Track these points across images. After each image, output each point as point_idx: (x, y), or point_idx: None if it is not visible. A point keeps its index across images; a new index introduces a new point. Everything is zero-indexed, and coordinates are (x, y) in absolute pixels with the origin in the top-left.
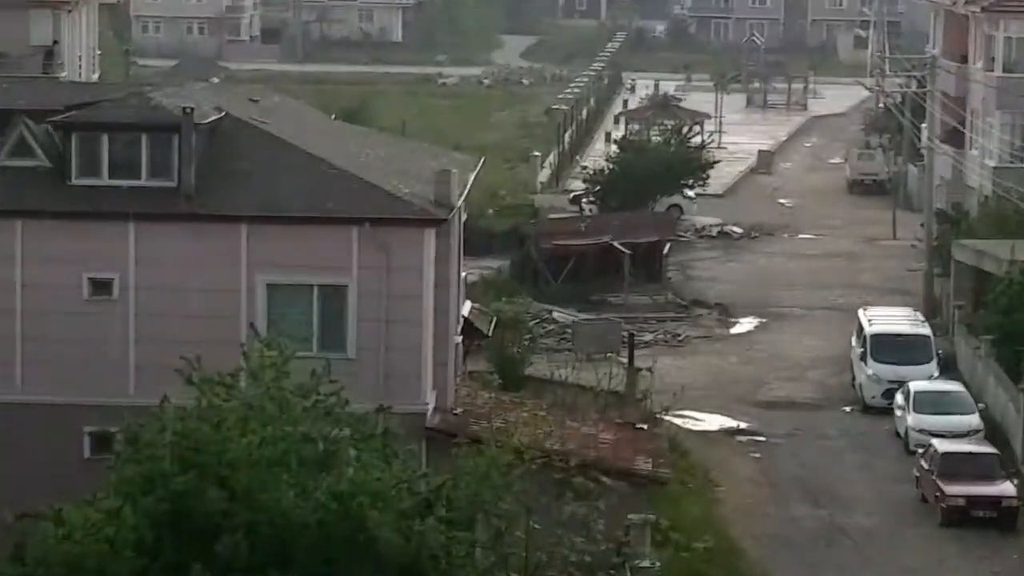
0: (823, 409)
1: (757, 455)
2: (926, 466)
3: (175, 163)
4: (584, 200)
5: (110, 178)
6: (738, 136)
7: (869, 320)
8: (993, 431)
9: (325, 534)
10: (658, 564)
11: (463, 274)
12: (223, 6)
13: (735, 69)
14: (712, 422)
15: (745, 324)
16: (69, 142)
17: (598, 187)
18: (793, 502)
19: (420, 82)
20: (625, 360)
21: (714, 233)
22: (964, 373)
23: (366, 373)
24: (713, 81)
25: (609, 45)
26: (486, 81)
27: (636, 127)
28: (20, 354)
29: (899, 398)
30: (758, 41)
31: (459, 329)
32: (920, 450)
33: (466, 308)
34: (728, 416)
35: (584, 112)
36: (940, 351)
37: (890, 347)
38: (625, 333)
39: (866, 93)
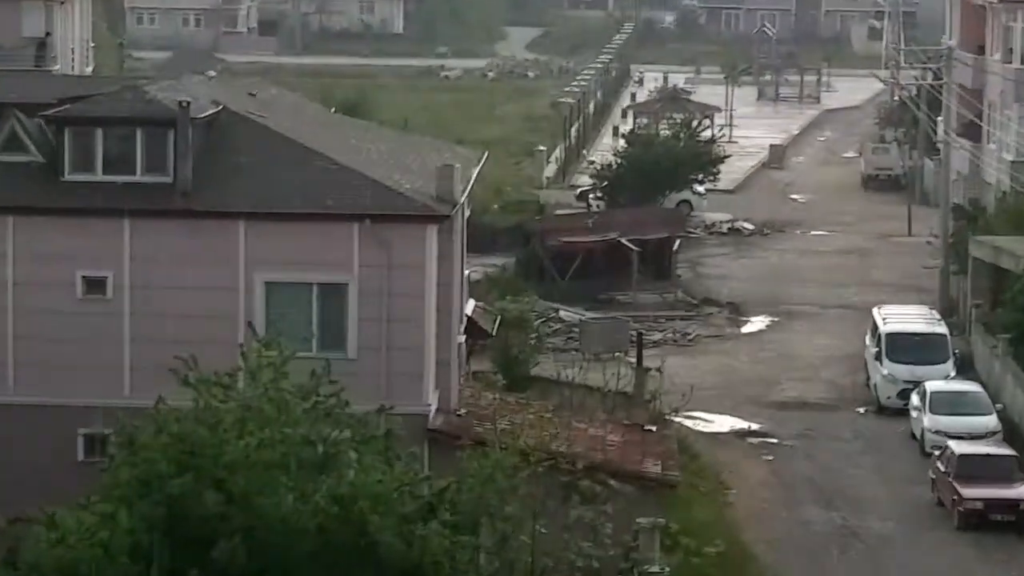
0: (836, 410)
1: (769, 457)
2: (942, 468)
3: (171, 158)
4: (591, 196)
5: (104, 174)
6: (749, 130)
7: (884, 319)
8: (1011, 432)
9: (325, 539)
10: (668, 569)
11: (466, 272)
12: None
13: (746, 61)
14: (723, 423)
15: (756, 323)
16: (62, 137)
17: (605, 182)
18: (806, 505)
19: (422, 75)
20: (633, 360)
21: (725, 229)
22: (981, 373)
23: (367, 373)
24: (724, 73)
25: (616, 37)
26: (490, 74)
27: (644, 121)
28: (12, 354)
29: (915, 399)
30: (770, 32)
31: (462, 328)
32: (936, 452)
33: (470, 307)
34: (739, 417)
35: (591, 106)
36: (957, 350)
37: (905, 346)
38: (633, 332)
39: (881, 86)
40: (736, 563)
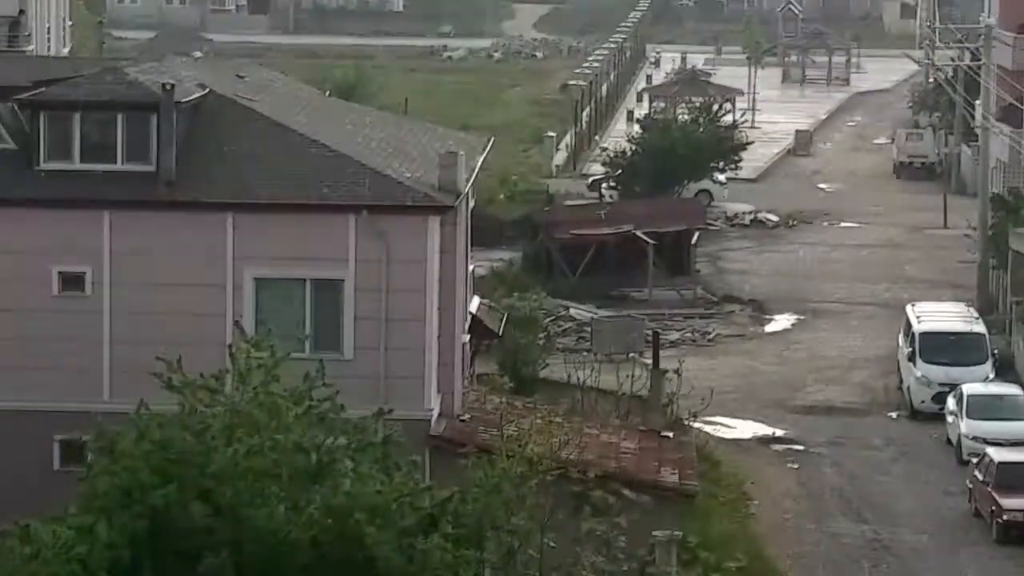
0: (867, 415)
1: (795, 465)
2: (980, 477)
3: (153, 145)
4: (604, 185)
5: (82, 162)
6: (773, 115)
7: (918, 317)
8: None
9: (319, 553)
10: None
11: (471, 267)
12: None
13: (770, 41)
14: (745, 429)
15: (781, 321)
16: (37, 122)
17: (619, 171)
18: (834, 517)
19: (423, 56)
20: (649, 361)
21: (747, 221)
22: (1022, 375)
23: (364, 376)
24: (746, 54)
25: (631, 14)
26: (496, 54)
27: (661, 105)
28: None
29: (951, 402)
30: (796, 10)
31: (466, 327)
32: (974, 459)
33: (474, 304)
34: (763, 423)
35: (604, 88)
36: (996, 350)
37: (941, 346)
38: (649, 332)
39: (914, 67)
40: None
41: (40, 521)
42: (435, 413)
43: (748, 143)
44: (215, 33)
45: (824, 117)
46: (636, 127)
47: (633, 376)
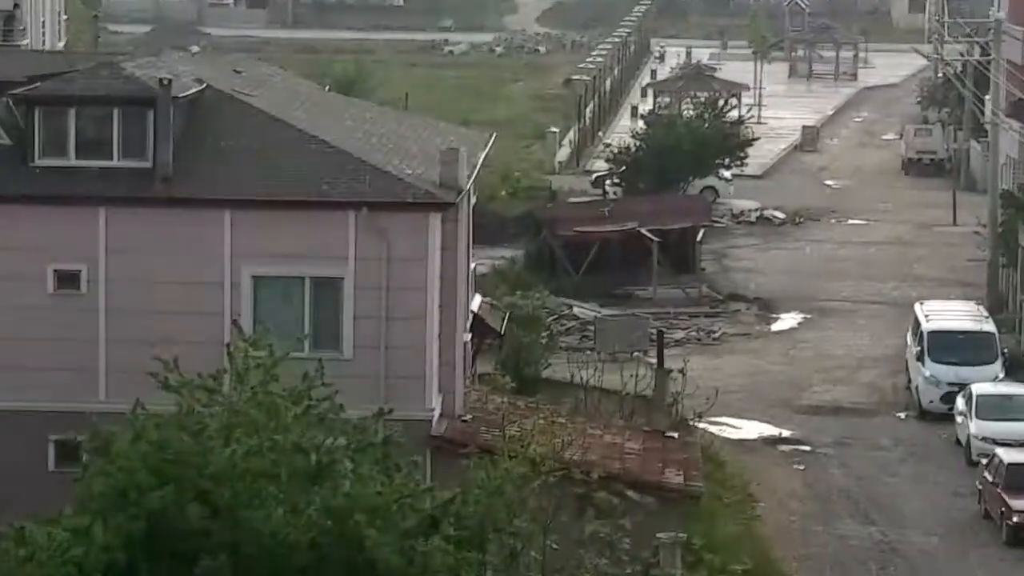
0: (875, 415)
1: (801, 467)
2: (990, 478)
3: (150, 141)
4: (608, 182)
5: (77, 158)
6: (780, 110)
7: (926, 315)
8: None
9: (318, 556)
10: None
11: (472, 265)
12: None
13: (776, 35)
14: (751, 430)
15: (788, 320)
16: (32, 118)
17: (623, 167)
18: (841, 519)
19: (424, 50)
20: (653, 361)
21: (753, 218)
22: None
23: (364, 375)
24: (752, 48)
25: (635, 8)
26: (498, 49)
27: (666, 100)
28: None
29: (960, 402)
30: (802, 4)
31: (468, 326)
32: (984, 460)
33: (476, 303)
34: (769, 423)
35: (607, 84)
36: (1006, 350)
37: (950, 345)
38: (653, 330)
39: (923, 62)
40: None
41: (35, 523)
42: (436, 413)
43: (754, 139)
44: (212, 27)
45: (831, 112)
46: (640, 123)
47: (637, 376)
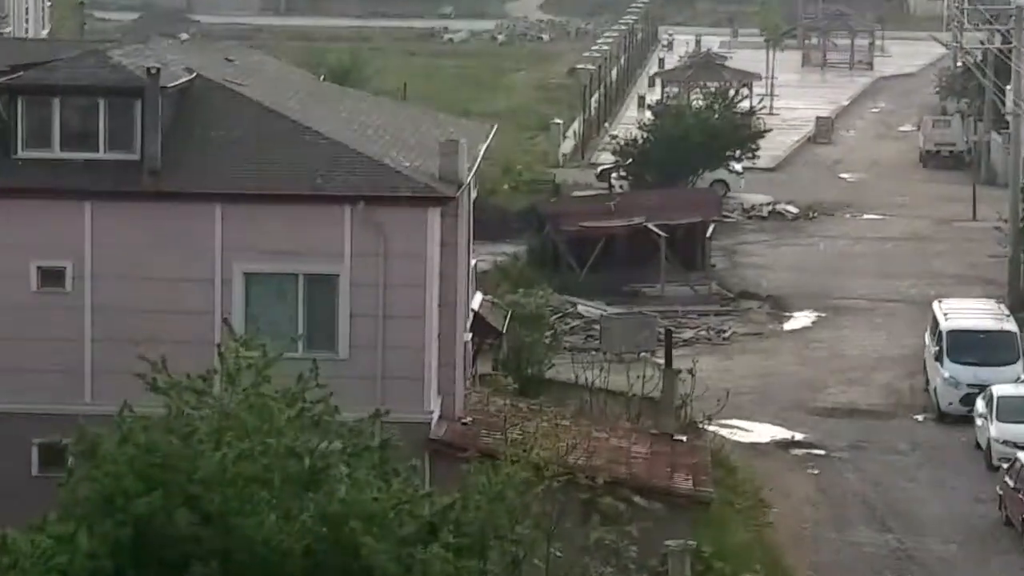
0: (891, 417)
1: (815, 471)
2: (1011, 483)
3: (138, 133)
4: (614, 175)
5: (62, 150)
6: (793, 100)
7: (945, 314)
8: None
9: (312, 563)
10: None
11: (473, 262)
12: None
13: (789, 22)
14: (762, 433)
15: (801, 319)
16: (14, 108)
17: (630, 160)
18: (856, 526)
19: (422, 38)
20: (661, 361)
21: (765, 213)
22: None
23: (360, 376)
24: (764, 36)
25: None
26: (499, 36)
27: (674, 90)
28: None
29: (980, 404)
30: None
31: (468, 325)
32: (1004, 465)
33: (476, 301)
34: (781, 426)
35: (613, 73)
36: None
37: (970, 345)
38: (661, 330)
39: (942, 50)
40: None
41: (18, 529)
42: (435, 416)
43: (766, 131)
44: (202, 14)
45: (846, 103)
46: (648, 114)
47: (644, 377)
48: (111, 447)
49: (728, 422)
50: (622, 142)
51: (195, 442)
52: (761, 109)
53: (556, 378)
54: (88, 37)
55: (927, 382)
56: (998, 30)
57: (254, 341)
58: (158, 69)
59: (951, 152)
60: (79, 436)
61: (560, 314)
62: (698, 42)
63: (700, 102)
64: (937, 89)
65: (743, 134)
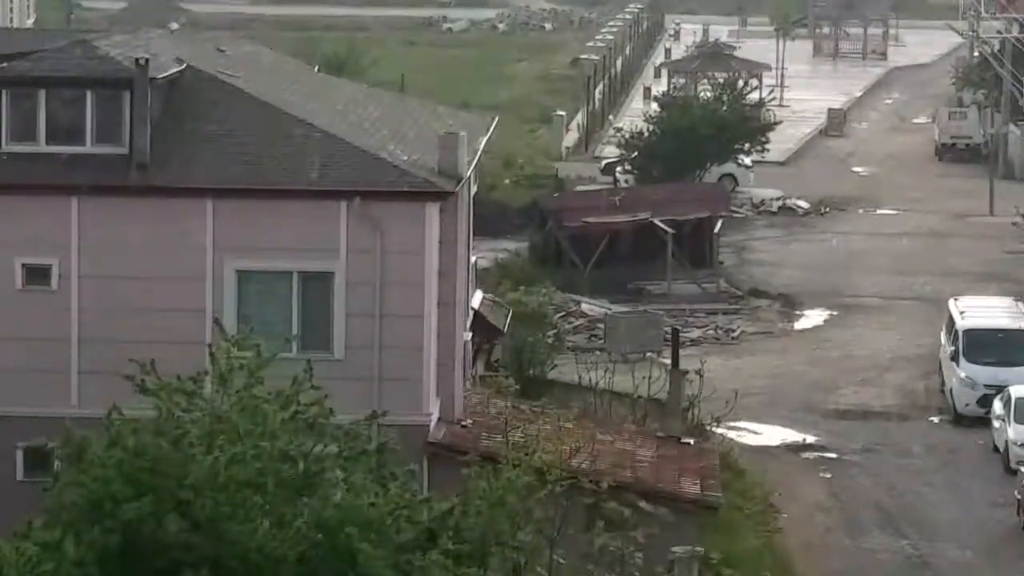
0: (906, 419)
1: (827, 475)
2: None
3: (126, 126)
4: (618, 169)
5: (48, 144)
6: (804, 92)
7: (961, 312)
8: None
9: (307, 571)
10: None
11: (473, 259)
12: None
13: (800, 11)
14: (772, 435)
15: (812, 318)
16: None
17: (635, 153)
18: (870, 532)
19: (421, 27)
20: (668, 361)
21: (775, 208)
22: None
23: (356, 377)
24: (774, 26)
25: None
26: (500, 26)
27: (681, 81)
28: None
29: (998, 406)
30: None
31: (468, 325)
32: (1023, 468)
33: (477, 299)
34: (792, 428)
35: (618, 63)
36: None
37: (987, 344)
38: (668, 329)
39: (958, 39)
40: None
41: (2, 536)
42: (434, 418)
43: (776, 123)
44: (193, 3)
45: (859, 94)
46: (654, 105)
47: (650, 378)
48: (99, 451)
49: (737, 424)
50: (627, 135)
51: (186, 446)
52: (771, 101)
53: (559, 379)
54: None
55: (943, 383)
56: (1016, 19)
57: (246, 341)
58: (147, 60)
59: (967, 145)
60: (66, 439)
61: (563, 313)
62: (706, 31)
63: (708, 93)
64: (953, 80)
65: (752, 126)
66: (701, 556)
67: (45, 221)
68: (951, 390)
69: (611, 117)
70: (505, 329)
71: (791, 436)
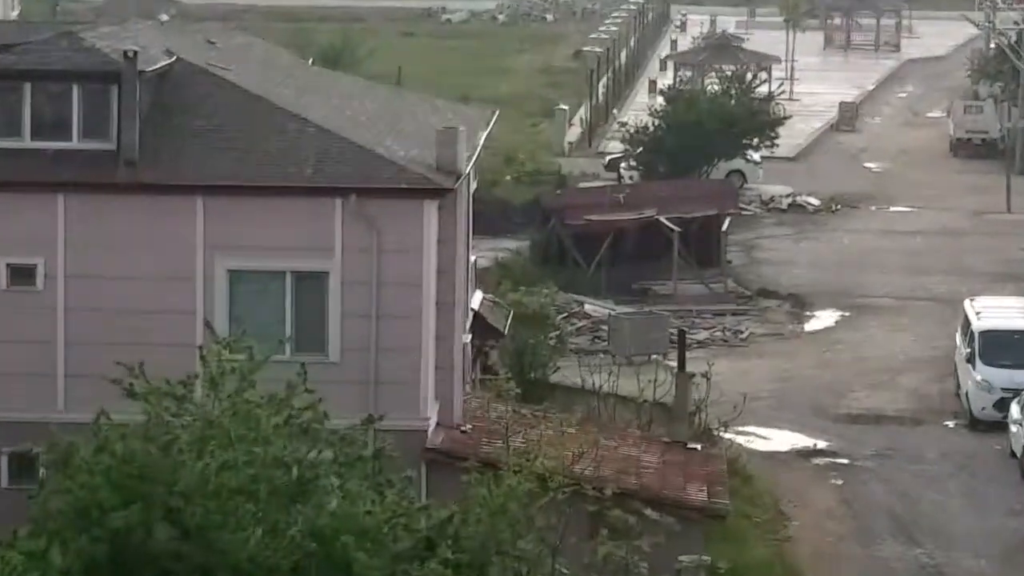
0: (920, 424)
1: (838, 481)
2: None
3: (114, 121)
4: (623, 165)
5: (33, 139)
6: (814, 85)
7: (978, 313)
8: None
9: None
10: None
11: (473, 258)
12: None
13: (811, 1)
14: (782, 440)
15: (823, 319)
16: None
17: (640, 149)
18: (883, 540)
19: (419, 18)
20: (674, 364)
21: (785, 205)
22: None
23: (352, 381)
24: (783, 16)
25: None
26: (500, 17)
27: (687, 74)
28: None
29: (1015, 410)
30: None
31: (468, 326)
32: None
33: (476, 300)
34: (802, 433)
35: (623, 56)
36: None
37: (1004, 346)
38: (674, 330)
39: (974, 30)
40: None
41: None
42: (432, 423)
43: (786, 117)
44: None
45: (871, 88)
46: (659, 99)
47: (656, 381)
48: (86, 457)
49: (745, 429)
50: (632, 130)
51: (175, 452)
52: (780, 94)
53: (561, 382)
54: (60, 18)
55: (958, 386)
56: None
57: (238, 343)
58: (135, 52)
59: (983, 140)
60: (51, 445)
61: (566, 314)
62: (713, 22)
63: (715, 87)
64: (969, 72)
65: (761, 121)
66: (708, 565)
67: (30, 219)
68: (967, 394)
69: (615, 111)
70: (506, 331)
71: (801, 441)
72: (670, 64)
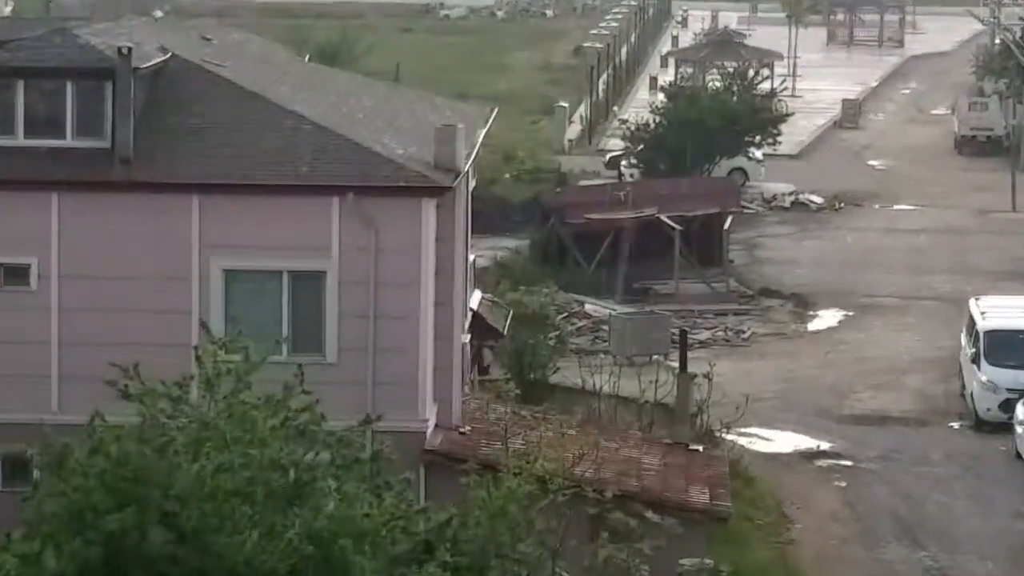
0: (924, 425)
1: (842, 483)
2: None
3: (108, 118)
4: (624, 163)
5: (26, 137)
6: (817, 81)
7: (983, 313)
8: None
9: None
10: None
11: (471, 257)
12: None
13: None
14: (785, 442)
15: (827, 318)
16: None
17: (641, 146)
18: (887, 543)
19: (417, 14)
20: (675, 364)
21: (787, 204)
22: None
23: (350, 382)
24: (786, 12)
25: None
26: (500, 13)
27: (689, 70)
28: None
29: (1021, 411)
30: None
31: (467, 326)
32: None
33: (475, 300)
34: (805, 434)
35: (623, 52)
36: None
37: (1010, 346)
38: (675, 330)
39: (979, 26)
40: None
41: None
42: (431, 424)
43: (788, 114)
44: None
45: (875, 84)
46: (660, 96)
47: (657, 382)
48: (80, 459)
49: (747, 430)
50: (633, 127)
51: (171, 454)
52: (783, 91)
53: (562, 383)
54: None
55: (963, 387)
56: None
57: (234, 344)
58: (130, 49)
59: (988, 137)
60: (45, 447)
61: (566, 314)
62: (714, 18)
63: (717, 83)
64: (973, 69)
65: (763, 118)
66: (710, 568)
67: (23, 218)
68: (972, 394)
69: (616, 108)
70: (505, 331)
71: (804, 443)
72: (671, 60)
